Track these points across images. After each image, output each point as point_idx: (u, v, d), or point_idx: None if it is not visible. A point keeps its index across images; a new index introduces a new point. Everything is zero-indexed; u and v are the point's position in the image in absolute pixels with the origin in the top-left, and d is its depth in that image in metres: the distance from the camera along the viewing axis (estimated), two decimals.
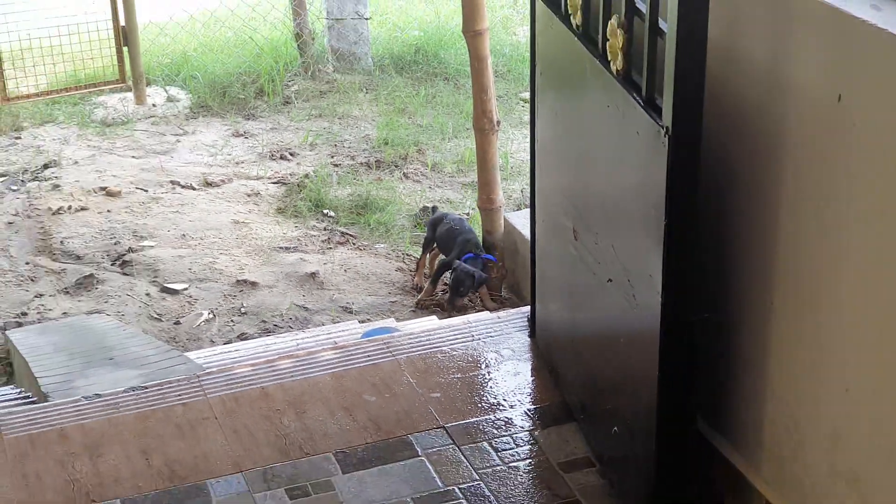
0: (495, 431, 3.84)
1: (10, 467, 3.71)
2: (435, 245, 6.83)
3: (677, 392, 3.11)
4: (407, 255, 7.16)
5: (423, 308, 6.54)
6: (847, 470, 2.79)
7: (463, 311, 6.37)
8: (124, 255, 7.05)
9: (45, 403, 4.21)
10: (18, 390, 5.17)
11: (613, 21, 3.13)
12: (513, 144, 8.41)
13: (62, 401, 4.14)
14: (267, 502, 3.55)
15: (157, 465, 3.72)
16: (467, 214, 7.46)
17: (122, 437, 3.86)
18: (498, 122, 6.34)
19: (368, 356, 4.27)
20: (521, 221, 6.39)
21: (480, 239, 6.70)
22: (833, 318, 2.78)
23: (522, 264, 6.26)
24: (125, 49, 9.46)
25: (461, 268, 6.45)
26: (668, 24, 2.77)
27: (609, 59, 3.19)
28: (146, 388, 4.13)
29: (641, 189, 3.05)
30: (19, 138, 9.08)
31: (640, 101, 3.01)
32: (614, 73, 3.16)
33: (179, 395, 4.07)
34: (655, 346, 3.05)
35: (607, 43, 3.18)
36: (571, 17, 3.51)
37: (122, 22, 9.38)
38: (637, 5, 3.04)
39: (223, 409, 3.98)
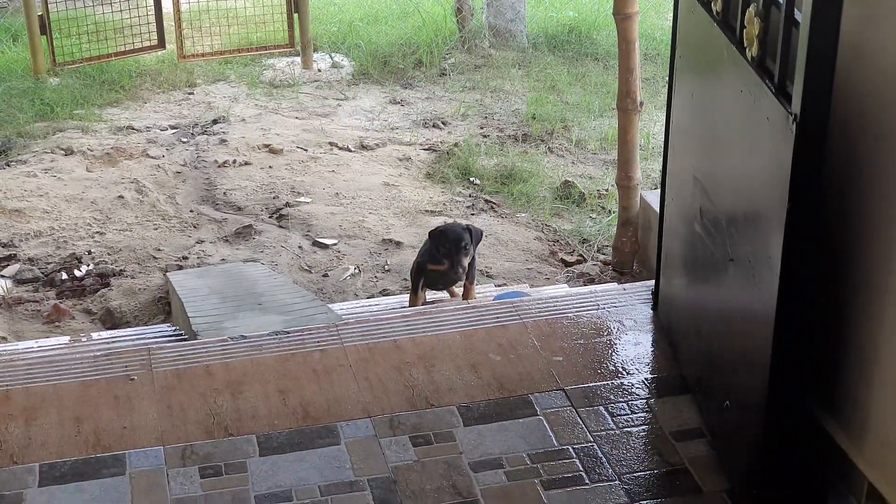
0: (612, 397, 3.81)
1: (156, 398, 3.80)
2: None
3: (789, 371, 3.05)
4: (546, 225, 7.12)
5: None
6: None
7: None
8: (281, 209, 7.15)
9: (194, 341, 4.29)
10: (173, 328, 5.29)
11: (751, 9, 3.08)
12: (655, 126, 8.30)
13: (210, 339, 4.23)
14: (391, 447, 3.57)
15: (293, 405, 3.77)
16: (598, 191, 7.40)
17: (262, 377, 3.92)
18: (641, 104, 6.24)
19: (497, 318, 4.26)
20: (656, 199, 6.27)
21: (616, 215, 6.61)
22: None
23: (654, 240, 6.17)
24: (296, 16, 9.62)
25: (450, 229, 5.44)
26: (803, 14, 2.73)
27: (745, 45, 3.13)
28: (288, 333, 4.19)
29: (767, 173, 3.00)
30: (192, 94, 9.28)
31: (772, 87, 2.96)
32: (749, 59, 3.11)
33: (318, 342, 4.12)
34: (771, 326, 3.00)
35: (744, 30, 3.13)
36: (712, 4, 3.45)
37: None
38: None
39: (357, 358, 4.02)
